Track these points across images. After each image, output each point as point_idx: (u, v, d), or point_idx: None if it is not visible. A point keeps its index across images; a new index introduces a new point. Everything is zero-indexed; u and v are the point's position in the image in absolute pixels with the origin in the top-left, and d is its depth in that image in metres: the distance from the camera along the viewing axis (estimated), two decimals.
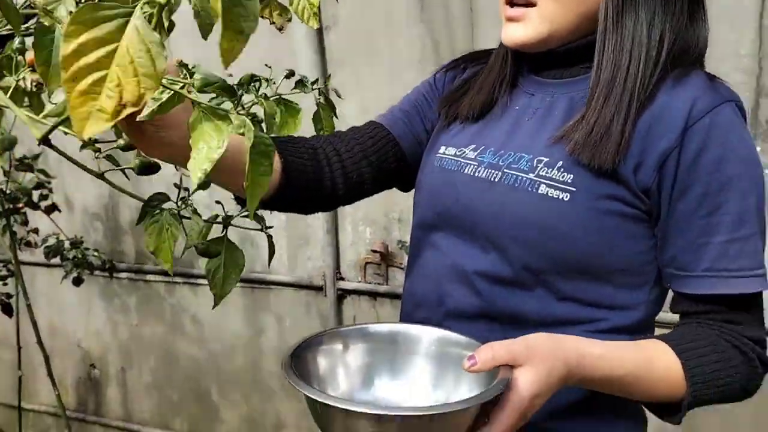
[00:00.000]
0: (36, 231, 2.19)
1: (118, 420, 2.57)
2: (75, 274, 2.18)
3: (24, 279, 1.99)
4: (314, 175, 0.92)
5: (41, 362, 2.40)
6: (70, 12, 0.61)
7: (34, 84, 0.66)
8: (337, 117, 0.94)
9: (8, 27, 0.68)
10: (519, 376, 0.68)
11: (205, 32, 0.59)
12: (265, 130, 0.84)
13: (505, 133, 0.88)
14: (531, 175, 0.81)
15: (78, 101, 0.46)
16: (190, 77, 0.57)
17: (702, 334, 0.78)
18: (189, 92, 0.56)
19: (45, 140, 0.62)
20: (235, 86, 0.60)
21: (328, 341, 0.78)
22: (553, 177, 0.80)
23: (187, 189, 0.75)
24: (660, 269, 0.83)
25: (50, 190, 2.14)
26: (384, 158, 0.97)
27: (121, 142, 0.70)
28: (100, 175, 0.69)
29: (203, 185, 0.66)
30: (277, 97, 0.86)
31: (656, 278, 0.83)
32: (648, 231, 0.81)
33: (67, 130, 0.74)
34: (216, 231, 0.78)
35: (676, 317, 0.84)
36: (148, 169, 0.74)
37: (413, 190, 0.99)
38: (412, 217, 0.98)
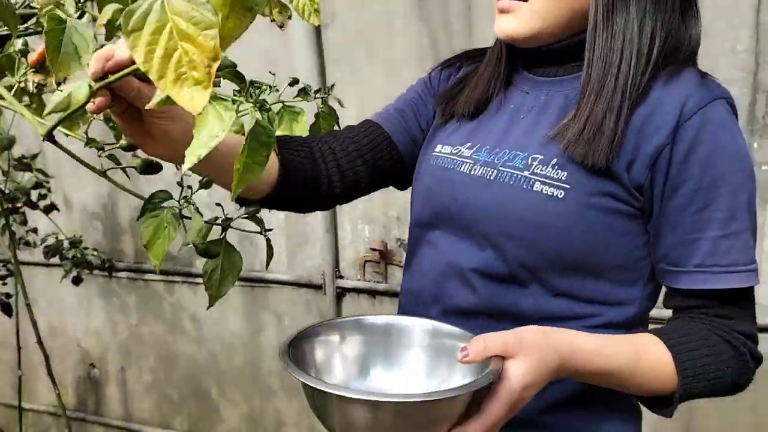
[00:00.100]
0: (35, 230, 2.19)
1: (118, 419, 2.57)
2: (74, 274, 2.18)
3: (23, 278, 2.00)
4: (311, 173, 0.92)
5: (41, 362, 2.40)
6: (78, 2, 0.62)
7: (35, 84, 0.66)
8: (339, 127, 0.93)
9: (5, 28, 0.69)
10: (510, 368, 0.69)
11: None
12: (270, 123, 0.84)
13: (500, 131, 0.88)
14: (526, 173, 0.82)
15: (176, 90, 0.49)
16: None
17: (693, 329, 0.79)
18: None
19: (50, 137, 0.62)
20: (249, 85, 0.61)
21: (325, 332, 0.80)
22: (548, 174, 0.80)
23: (190, 187, 0.75)
24: (653, 265, 0.84)
25: (49, 190, 2.14)
26: (379, 157, 0.97)
27: (123, 142, 0.71)
28: (103, 173, 0.70)
29: (206, 184, 0.67)
30: (281, 104, 0.86)
31: (650, 274, 0.84)
32: (642, 227, 0.82)
33: (68, 132, 0.75)
34: (215, 233, 0.78)
35: (670, 314, 0.85)
36: (150, 168, 0.74)
37: (410, 189, 1.00)
38: (409, 216, 0.98)
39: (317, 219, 1.99)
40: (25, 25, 0.69)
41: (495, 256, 0.83)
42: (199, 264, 2.31)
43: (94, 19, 0.61)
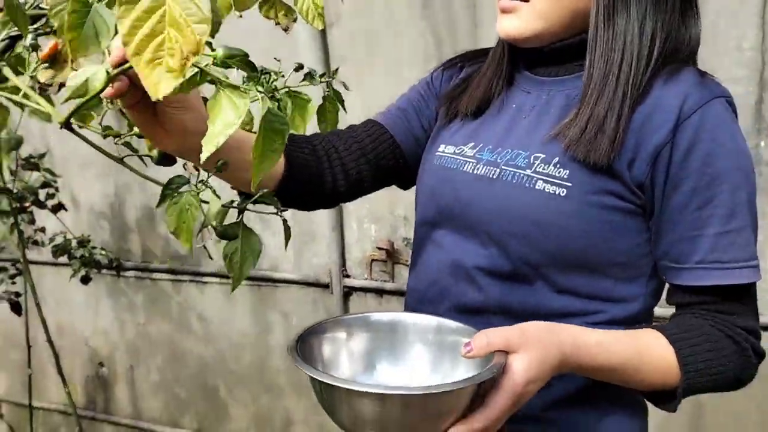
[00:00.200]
0: (43, 230, 2.20)
1: (127, 418, 2.58)
2: (83, 273, 2.19)
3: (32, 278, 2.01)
4: (316, 170, 0.93)
5: (50, 360, 2.41)
6: None
7: (47, 81, 0.67)
8: (345, 110, 0.95)
9: (15, 29, 0.69)
10: (513, 362, 0.70)
11: (214, 30, 0.61)
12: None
13: (502, 131, 0.89)
14: (528, 172, 0.83)
15: (147, 71, 0.50)
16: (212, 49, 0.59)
17: (696, 325, 0.80)
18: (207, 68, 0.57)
19: (67, 124, 0.63)
20: (260, 72, 0.61)
21: (332, 329, 0.82)
22: (550, 173, 0.81)
23: (208, 171, 0.76)
24: (655, 262, 0.84)
25: (56, 189, 2.15)
26: (382, 156, 0.98)
27: (137, 130, 0.71)
28: (120, 160, 0.70)
29: (221, 167, 0.68)
30: (287, 89, 0.87)
31: (653, 271, 0.85)
32: (643, 225, 0.83)
33: (81, 124, 0.75)
34: (231, 218, 0.79)
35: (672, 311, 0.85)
36: (166, 159, 0.75)
37: (414, 188, 1.01)
38: (414, 215, 0.99)
39: (323, 218, 1.99)
40: (35, 26, 0.70)
41: (498, 254, 0.84)
42: (208, 262, 2.32)
43: None
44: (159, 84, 0.50)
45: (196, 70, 0.57)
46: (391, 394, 0.65)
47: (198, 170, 0.76)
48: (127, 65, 0.59)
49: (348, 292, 2.06)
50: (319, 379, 0.68)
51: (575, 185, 0.80)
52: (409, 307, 0.97)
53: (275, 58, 0.93)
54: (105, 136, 0.74)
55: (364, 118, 1.03)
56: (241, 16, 0.69)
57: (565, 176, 0.81)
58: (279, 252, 2.13)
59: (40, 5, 0.70)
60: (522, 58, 0.93)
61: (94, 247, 2.21)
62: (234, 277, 0.72)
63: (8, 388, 2.77)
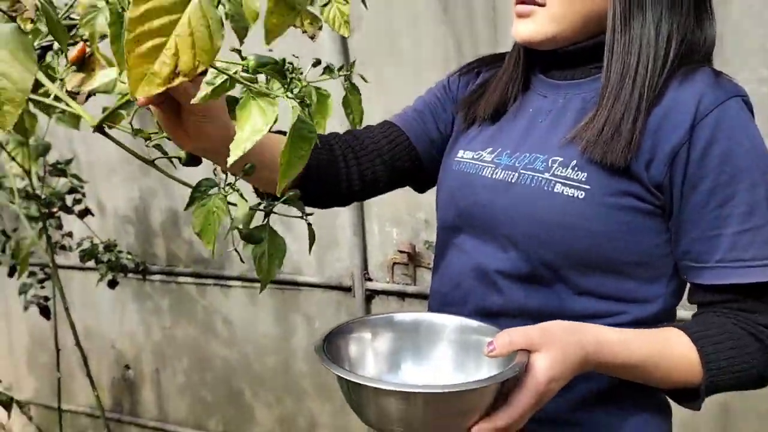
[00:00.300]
0: (70, 235, 2.23)
1: (153, 420, 2.61)
2: (110, 277, 2.22)
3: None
4: (332, 170, 0.95)
5: (77, 364, 2.44)
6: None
7: (74, 89, 0.68)
8: (360, 96, 0.96)
9: (48, 39, 0.71)
10: (535, 361, 0.71)
11: (241, 36, 0.61)
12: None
13: (519, 135, 0.90)
14: (546, 175, 0.83)
15: (136, 62, 0.48)
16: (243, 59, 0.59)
17: (717, 323, 0.80)
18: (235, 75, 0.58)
19: (99, 128, 0.64)
20: (286, 70, 0.62)
21: (358, 329, 0.84)
22: (568, 176, 0.82)
23: (235, 174, 0.77)
24: (676, 262, 0.84)
25: (83, 195, 2.18)
26: (398, 157, 1.00)
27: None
28: (151, 162, 0.71)
29: (249, 170, 0.69)
30: (307, 84, 0.88)
31: (673, 271, 0.85)
32: (663, 225, 0.83)
33: (111, 124, 0.76)
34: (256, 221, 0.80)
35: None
36: (193, 160, 0.77)
37: (435, 192, 1.02)
38: (436, 219, 1.00)
39: (345, 221, 2.00)
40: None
41: (518, 257, 0.85)
42: (232, 266, 2.33)
43: None
44: (140, 81, 0.49)
45: (225, 77, 0.57)
46: (416, 392, 0.67)
47: (225, 173, 0.77)
48: None
49: (370, 296, 2.06)
50: (347, 378, 0.69)
51: (593, 187, 0.81)
52: (432, 310, 0.97)
53: (293, 55, 0.94)
54: (135, 136, 0.75)
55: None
56: (271, 50, 0.69)
57: (583, 179, 0.81)
58: (302, 256, 2.14)
59: (71, 15, 0.71)
60: (538, 62, 0.93)
61: (120, 252, 2.24)
62: (262, 279, 0.73)
63: (37, 391, 2.81)
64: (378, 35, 1.86)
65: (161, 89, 0.49)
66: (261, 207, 0.71)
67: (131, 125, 0.69)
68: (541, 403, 0.71)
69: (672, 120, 0.79)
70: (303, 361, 2.25)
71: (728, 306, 0.81)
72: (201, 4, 0.48)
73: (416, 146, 1.01)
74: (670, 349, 0.79)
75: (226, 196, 0.68)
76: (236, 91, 0.63)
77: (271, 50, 0.59)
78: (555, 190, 0.82)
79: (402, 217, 1.95)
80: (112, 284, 2.24)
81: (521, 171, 0.86)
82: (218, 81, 0.57)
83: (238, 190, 0.67)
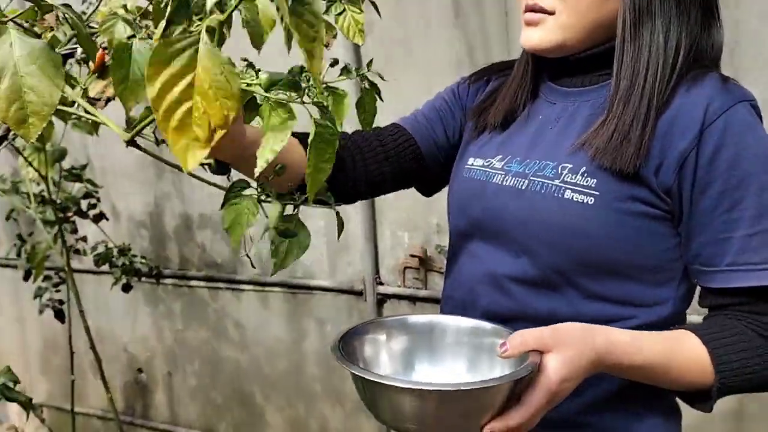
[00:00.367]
0: (84, 239, 2.25)
1: (165, 423, 2.63)
2: (124, 281, 2.24)
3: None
4: (339, 170, 0.96)
5: (90, 367, 2.46)
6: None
7: (97, 95, 0.69)
8: (382, 99, 0.97)
9: (69, 46, 0.72)
10: (548, 361, 0.72)
11: (258, 44, 0.62)
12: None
13: (529, 143, 0.91)
14: (556, 182, 0.85)
15: (174, 138, 0.49)
16: (257, 76, 0.60)
17: (728, 325, 0.81)
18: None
19: (132, 142, 0.65)
20: (299, 80, 0.63)
21: (373, 330, 0.85)
22: (578, 182, 0.83)
23: (262, 180, 0.79)
24: (686, 266, 0.85)
25: (98, 199, 2.20)
26: (404, 160, 1.02)
27: None
28: (180, 168, 0.72)
29: (279, 171, 0.70)
30: (325, 85, 0.89)
31: (683, 274, 0.86)
32: (672, 230, 0.84)
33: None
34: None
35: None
36: (221, 168, 0.78)
37: (446, 196, 1.03)
38: (447, 224, 1.01)
39: (357, 226, 2.01)
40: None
41: (529, 263, 0.86)
42: (243, 269, 2.34)
43: (149, 36, 0.64)
44: (187, 154, 0.50)
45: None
46: (431, 390, 0.68)
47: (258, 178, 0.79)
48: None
49: (382, 300, 2.07)
50: (362, 375, 0.71)
51: (603, 193, 0.82)
52: (445, 314, 0.98)
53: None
54: (159, 144, 0.76)
55: None
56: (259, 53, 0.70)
57: (593, 185, 0.82)
58: (314, 260, 2.15)
59: (90, 24, 0.72)
60: (546, 70, 0.95)
61: (134, 256, 2.26)
62: (275, 264, 0.73)
63: (49, 393, 2.83)
64: (390, 40, 1.87)
65: (207, 151, 0.50)
66: (292, 201, 0.72)
67: (154, 134, 0.71)
68: (554, 402, 0.72)
69: (680, 125, 0.80)
70: (314, 365, 2.26)
71: (739, 309, 0.82)
72: (208, 56, 0.49)
73: (423, 149, 1.02)
74: (681, 351, 0.79)
75: (258, 198, 0.69)
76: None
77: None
78: (565, 197, 0.83)
79: (414, 221, 1.96)
80: (127, 288, 2.26)
81: (531, 178, 0.87)
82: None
83: (270, 192, 0.68)
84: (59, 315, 2.23)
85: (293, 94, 0.61)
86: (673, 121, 0.81)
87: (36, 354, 2.86)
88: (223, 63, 0.49)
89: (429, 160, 1.03)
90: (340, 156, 0.97)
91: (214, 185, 0.74)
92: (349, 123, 0.97)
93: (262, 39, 0.66)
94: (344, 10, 0.84)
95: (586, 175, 0.83)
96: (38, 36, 0.58)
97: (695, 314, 0.90)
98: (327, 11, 0.87)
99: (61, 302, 2.24)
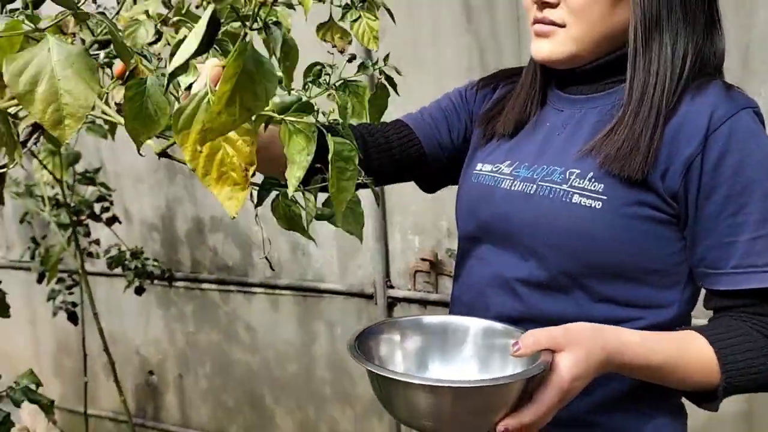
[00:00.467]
0: (97, 242, 2.27)
1: (176, 425, 2.64)
2: (137, 284, 2.26)
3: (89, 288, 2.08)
4: None
5: (102, 369, 2.48)
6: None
7: (121, 101, 0.71)
8: (398, 94, 0.98)
9: (91, 51, 0.73)
10: (560, 360, 0.74)
11: (292, 76, 0.63)
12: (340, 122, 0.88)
13: (537, 148, 0.93)
14: (564, 186, 0.87)
15: (219, 188, 0.54)
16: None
17: (734, 326, 0.83)
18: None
19: (164, 153, 0.67)
20: (311, 102, 0.64)
21: (387, 330, 0.87)
22: (585, 187, 0.85)
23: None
24: (692, 269, 0.87)
25: (111, 203, 2.22)
26: (406, 156, 1.03)
27: None
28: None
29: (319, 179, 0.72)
30: (342, 81, 0.90)
31: (688, 277, 0.88)
32: (678, 233, 0.86)
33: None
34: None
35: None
36: None
37: (456, 199, 1.04)
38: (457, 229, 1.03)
39: (368, 229, 2.02)
40: (107, 50, 0.74)
41: (538, 266, 0.88)
42: (255, 272, 2.35)
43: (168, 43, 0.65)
44: (231, 200, 0.54)
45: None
46: (445, 386, 0.70)
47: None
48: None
49: (392, 303, 2.08)
50: (378, 372, 0.72)
51: (610, 198, 0.84)
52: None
53: (329, 51, 0.97)
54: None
55: None
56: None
57: (600, 190, 0.84)
58: (324, 263, 2.16)
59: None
60: (554, 78, 0.97)
61: (147, 258, 2.28)
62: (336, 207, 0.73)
63: (62, 395, 2.85)
64: (402, 45, 1.88)
65: (247, 192, 0.54)
66: (362, 179, 0.72)
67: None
68: (565, 401, 0.74)
69: (686, 132, 0.82)
70: (325, 368, 2.27)
71: (744, 310, 0.84)
72: (208, 98, 0.51)
73: (425, 148, 1.04)
74: (688, 351, 0.81)
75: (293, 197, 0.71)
76: None
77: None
78: (573, 201, 0.85)
79: (424, 225, 1.96)
80: (139, 291, 2.27)
81: (539, 183, 0.89)
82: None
83: (301, 189, 0.69)
84: (72, 317, 2.25)
85: (309, 117, 0.62)
86: (680, 128, 0.83)
87: (49, 356, 2.89)
88: (237, 103, 0.51)
89: (431, 158, 1.05)
90: None
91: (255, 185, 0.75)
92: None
93: (294, 68, 0.67)
94: (360, 17, 0.86)
95: (593, 180, 0.85)
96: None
97: (700, 316, 0.91)
98: (342, 18, 0.89)
99: (74, 305, 2.26)
